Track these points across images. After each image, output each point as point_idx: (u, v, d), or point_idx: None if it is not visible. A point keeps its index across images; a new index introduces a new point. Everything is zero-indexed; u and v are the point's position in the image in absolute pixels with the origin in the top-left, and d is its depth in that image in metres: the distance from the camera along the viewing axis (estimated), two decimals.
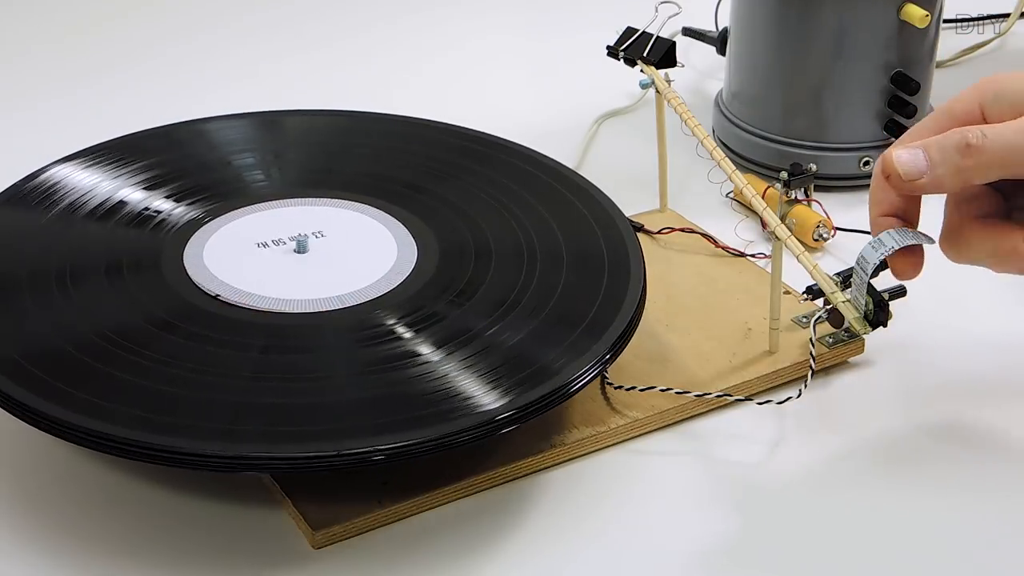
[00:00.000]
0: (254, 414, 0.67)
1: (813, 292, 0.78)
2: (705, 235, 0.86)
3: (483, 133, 0.88)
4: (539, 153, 0.86)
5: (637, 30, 0.91)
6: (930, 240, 0.67)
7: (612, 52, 0.88)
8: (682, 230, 0.87)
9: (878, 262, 0.67)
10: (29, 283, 0.74)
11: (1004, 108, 0.65)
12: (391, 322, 0.72)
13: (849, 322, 0.71)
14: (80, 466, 0.71)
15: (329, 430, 0.65)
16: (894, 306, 0.79)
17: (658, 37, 0.86)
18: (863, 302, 0.70)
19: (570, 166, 0.86)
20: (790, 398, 0.73)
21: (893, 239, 0.66)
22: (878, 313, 0.70)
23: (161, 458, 0.64)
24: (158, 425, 0.65)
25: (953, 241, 0.66)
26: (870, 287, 0.69)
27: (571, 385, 0.68)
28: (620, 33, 0.89)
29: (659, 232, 0.87)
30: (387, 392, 0.68)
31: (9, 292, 0.74)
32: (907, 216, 0.67)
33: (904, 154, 0.65)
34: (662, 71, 0.86)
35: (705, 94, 1.06)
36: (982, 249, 0.65)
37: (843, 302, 0.71)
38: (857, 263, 0.68)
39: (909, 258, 0.67)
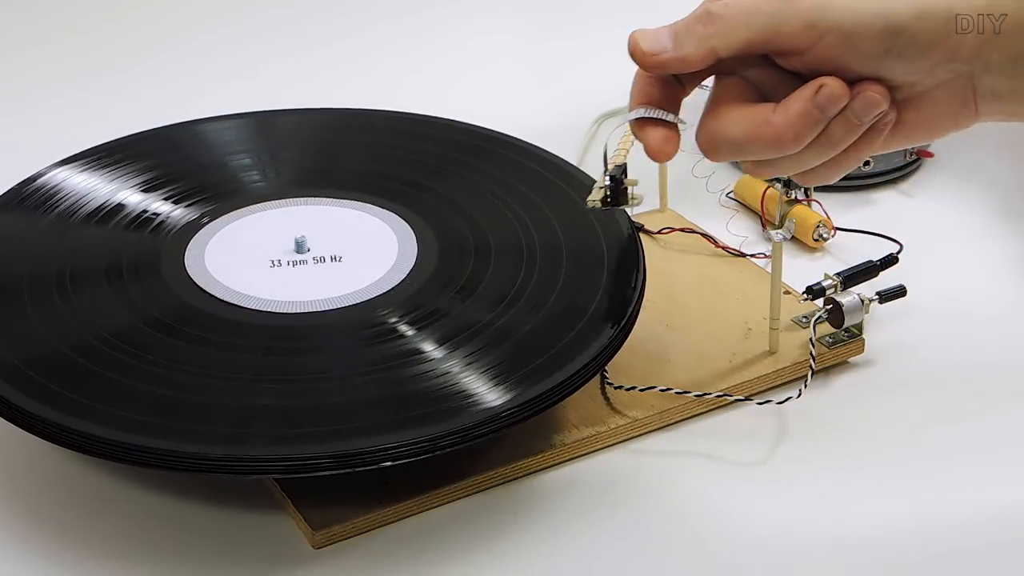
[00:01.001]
0: (257, 417, 0.67)
1: (813, 292, 0.78)
2: (705, 235, 0.86)
3: (483, 128, 0.87)
4: (541, 149, 0.85)
5: None
6: (681, 122, 0.65)
7: None
8: (682, 230, 0.87)
9: (624, 121, 0.66)
10: (29, 287, 0.74)
11: None
12: (393, 320, 0.72)
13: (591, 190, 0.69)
14: (78, 470, 0.70)
15: (334, 431, 0.65)
16: (894, 306, 0.79)
17: None
18: (601, 177, 0.68)
19: (572, 163, 0.86)
20: (790, 398, 0.73)
21: (640, 112, 0.65)
22: (614, 192, 0.68)
23: (164, 463, 0.64)
24: (160, 429, 0.65)
25: (709, 127, 0.64)
26: (616, 166, 0.68)
27: (573, 381, 0.68)
28: None
29: (659, 232, 0.87)
30: (390, 392, 0.68)
31: (9, 296, 0.74)
32: (666, 104, 0.65)
33: (646, 31, 0.64)
34: None
35: (705, 94, 1.06)
36: (737, 128, 0.63)
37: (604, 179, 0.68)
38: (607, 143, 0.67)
39: (657, 131, 0.64)
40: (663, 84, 0.65)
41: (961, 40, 0.61)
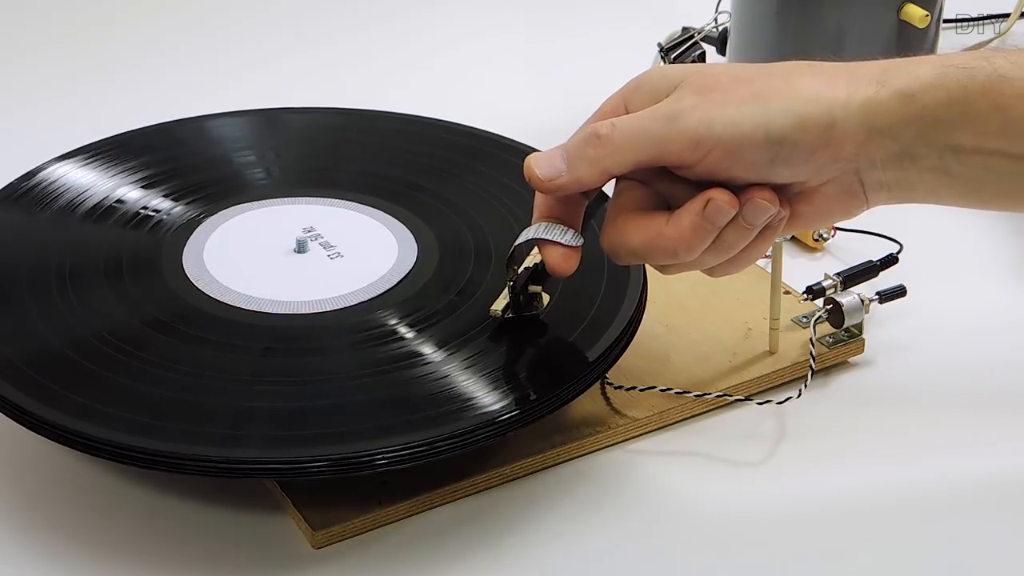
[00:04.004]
0: (255, 418, 0.67)
1: (813, 292, 0.78)
2: None
3: (483, 131, 0.88)
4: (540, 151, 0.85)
5: (691, 30, 0.92)
6: (578, 240, 0.67)
7: (663, 54, 0.90)
8: None
9: (513, 247, 0.68)
10: (27, 284, 0.74)
11: (642, 98, 0.66)
12: (392, 322, 0.72)
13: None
14: (77, 469, 0.70)
15: (331, 434, 0.65)
16: (894, 306, 0.79)
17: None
18: (506, 287, 0.71)
19: None
20: (790, 398, 0.73)
21: (536, 230, 0.67)
22: (515, 303, 0.71)
23: (162, 465, 0.64)
24: (158, 430, 0.65)
25: (610, 236, 0.66)
26: (521, 275, 0.70)
27: (573, 385, 0.68)
28: (677, 36, 0.90)
29: None
30: (389, 394, 0.68)
31: (7, 294, 0.74)
32: (568, 221, 0.68)
33: (541, 158, 0.66)
34: None
35: None
36: (635, 238, 0.65)
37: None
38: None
39: (556, 249, 0.67)
40: (563, 198, 0.67)
41: (842, 143, 0.63)
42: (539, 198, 0.68)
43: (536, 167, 0.66)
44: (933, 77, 0.63)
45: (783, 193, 0.65)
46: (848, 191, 0.65)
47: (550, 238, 0.67)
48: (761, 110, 0.63)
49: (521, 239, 0.68)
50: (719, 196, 0.63)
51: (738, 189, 0.64)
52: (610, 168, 0.65)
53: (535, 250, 0.71)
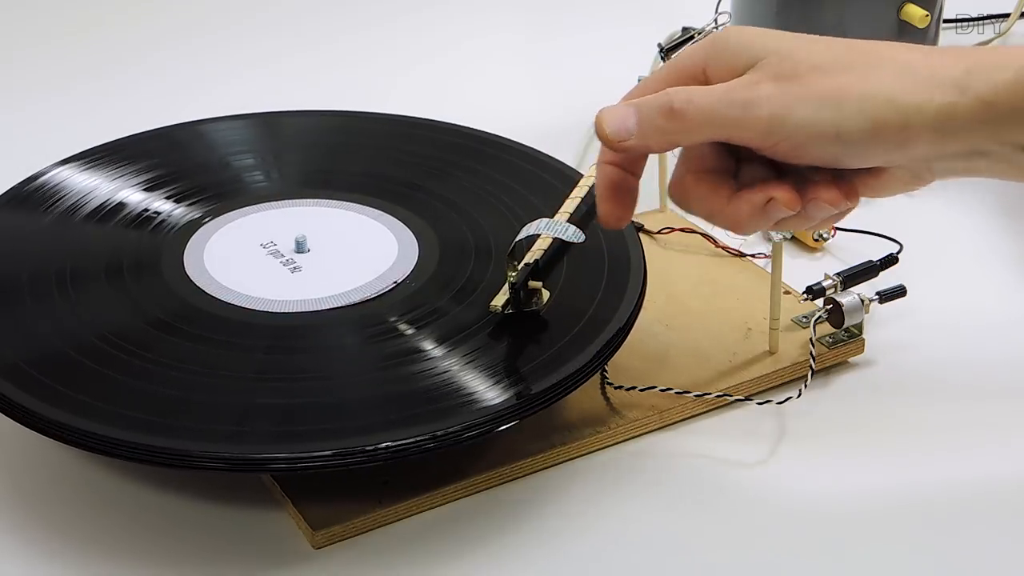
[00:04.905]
0: (259, 415, 0.67)
1: (813, 292, 0.78)
2: (705, 235, 0.86)
3: (483, 131, 0.88)
4: (539, 152, 0.86)
5: (691, 30, 0.92)
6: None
7: (663, 54, 0.90)
8: (682, 230, 0.86)
9: (514, 243, 0.69)
10: (29, 286, 0.74)
11: (722, 66, 0.65)
12: (393, 319, 0.72)
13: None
14: (80, 467, 0.71)
15: (334, 429, 0.65)
16: (894, 306, 0.79)
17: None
18: (507, 283, 0.71)
19: (571, 165, 0.86)
20: (790, 398, 0.73)
21: (538, 226, 0.68)
22: (515, 299, 0.71)
23: (166, 460, 0.64)
24: (162, 427, 0.65)
25: (676, 193, 0.66)
26: (521, 271, 0.71)
27: (572, 380, 0.68)
28: (677, 36, 0.91)
29: (659, 232, 0.86)
30: (391, 390, 0.68)
31: (9, 295, 0.74)
32: (631, 167, 0.67)
33: (614, 115, 0.65)
34: None
35: None
36: (699, 206, 0.65)
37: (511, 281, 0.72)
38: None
39: (607, 204, 0.67)
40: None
41: (915, 145, 0.62)
42: (604, 149, 0.67)
43: (606, 124, 0.65)
44: (1014, 82, 0.61)
45: (847, 177, 0.64)
46: (915, 175, 0.65)
47: (551, 234, 0.67)
48: (834, 111, 0.62)
49: (522, 235, 0.68)
50: (781, 196, 0.63)
51: (804, 171, 0.64)
52: (679, 141, 0.65)
53: (535, 246, 0.71)
